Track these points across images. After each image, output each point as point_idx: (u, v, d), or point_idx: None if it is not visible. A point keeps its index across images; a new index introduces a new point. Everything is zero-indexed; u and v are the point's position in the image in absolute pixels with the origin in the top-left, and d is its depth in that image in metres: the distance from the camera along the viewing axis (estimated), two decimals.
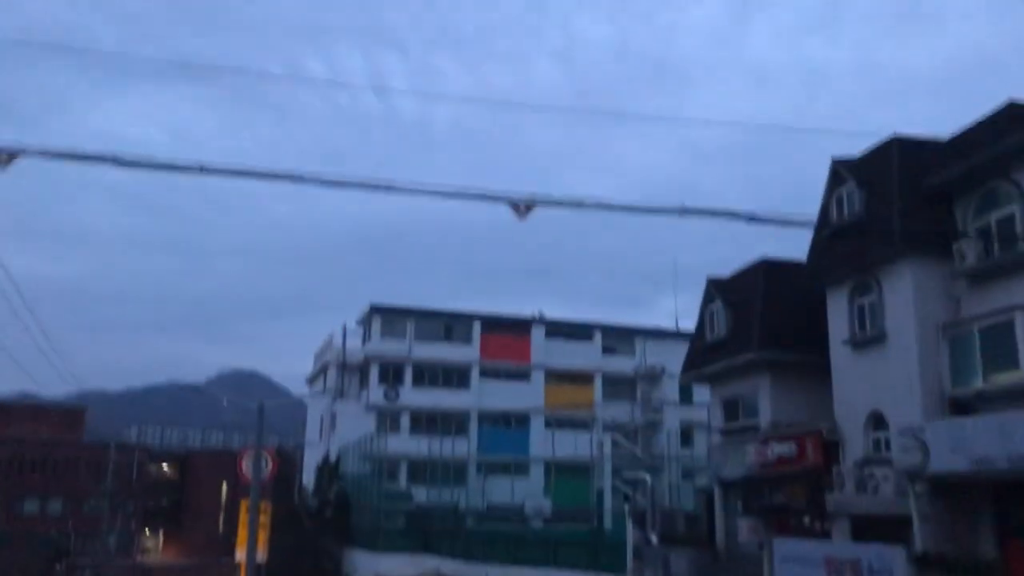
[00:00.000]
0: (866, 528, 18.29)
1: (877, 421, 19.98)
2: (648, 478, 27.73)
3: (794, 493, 19.79)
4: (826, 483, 19.63)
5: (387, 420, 53.24)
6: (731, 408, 26.66)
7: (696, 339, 28.14)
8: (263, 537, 21.55)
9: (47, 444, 77.11)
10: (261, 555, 21.58)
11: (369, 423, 51.56)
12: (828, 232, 21.52)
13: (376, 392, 53.69)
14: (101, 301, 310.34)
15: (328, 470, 47.25)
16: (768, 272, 25.15)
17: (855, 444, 20.29)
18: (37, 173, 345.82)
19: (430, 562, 37.47)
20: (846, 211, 20.92)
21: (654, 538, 26.73)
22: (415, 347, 55.13)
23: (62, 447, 77.14)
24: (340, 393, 55.92)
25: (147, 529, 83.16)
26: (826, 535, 19.66)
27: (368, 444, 47.01)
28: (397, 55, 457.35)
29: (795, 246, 34.93)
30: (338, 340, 56.68)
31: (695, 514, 28.78)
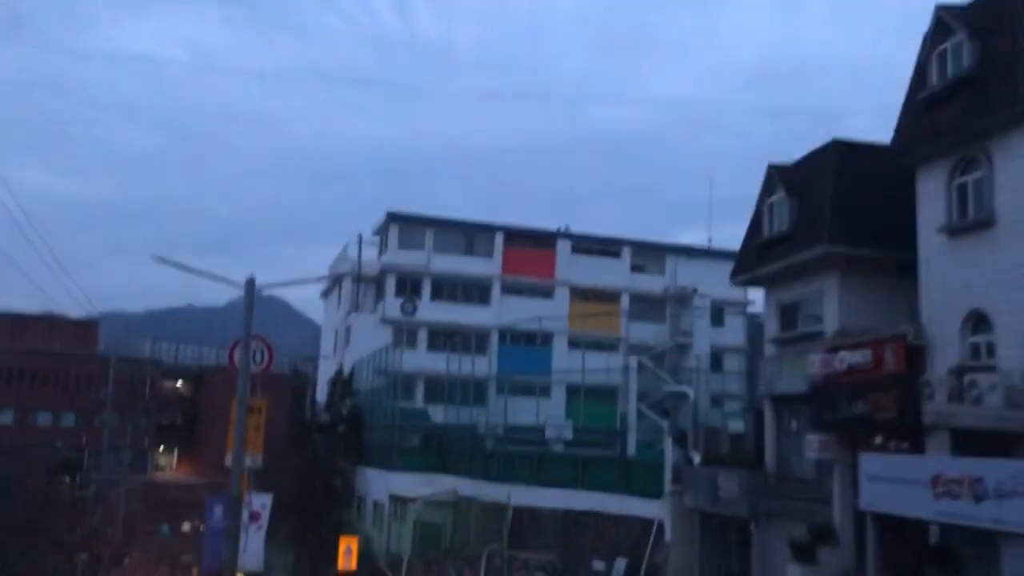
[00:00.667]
0: (967, 444, 15.27)
1: (977, 322, 16.78)
2: (691, 392, 24.87)
3: (879, 404, 16.71)
4: (914, 392, 16.54)
5: (404, 335, 50.60)
6: (789, 314, 23.50)
7: (750, 237, 24.84)
8: (257, 438, 18.82)
9: (59, 356, 75.87)
10: (253, 459, 18.87)
11: (385, 338, 48.87)
12: (925, 97, 17.93)
13: (392, 305, 50.95)
14: (121, 222, 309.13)
15: (341, 383, 44.83)
16: (842, 154, 21.68)
17: (947, 349, 17.11)
18: (60, 91, 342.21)
19: (447, 482, 35.16)
20: (951, 70, 17.30)
21: (696, 458, 23.95)
22: (434, 259, 52.17)
23: (74, 360, 75.82)
24: (355, 306, 53.20)
25: (161, 446, 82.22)
26: (911, 451, 16.65)
27: (383, 357, 44.41)
28: None
29: None
30: (353, 251, 53.79)
31: (740, 434, 25.91)
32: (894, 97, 72.55)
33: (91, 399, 70.97)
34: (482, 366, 49.96)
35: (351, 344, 51.76)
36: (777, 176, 23.34)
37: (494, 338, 52.39)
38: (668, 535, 24.21)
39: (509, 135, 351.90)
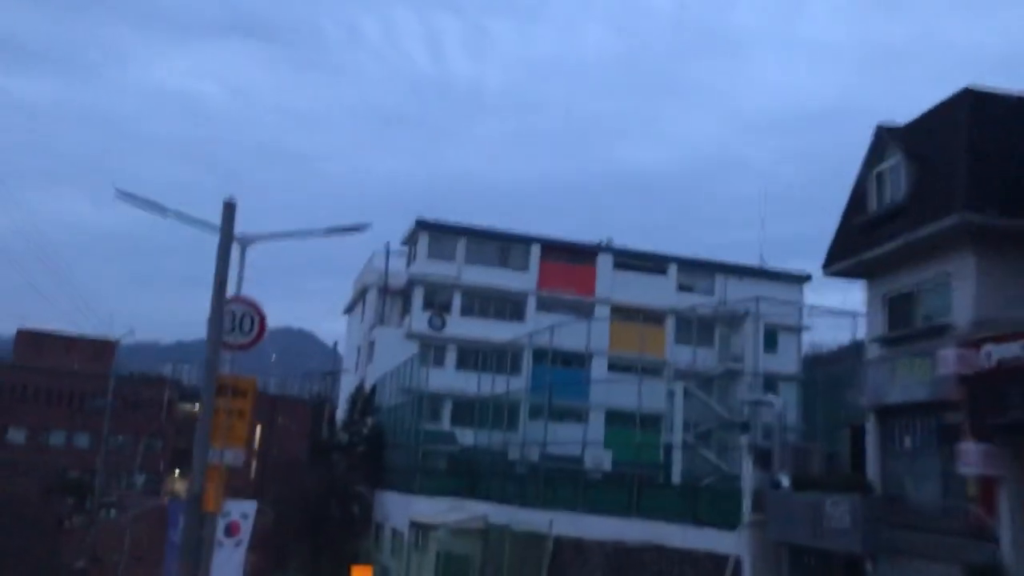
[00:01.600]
0: None
1: None
2: (776, 402, 20.69)
3: None
4: None
5: (431, 352, 46.69)
6: (901, 307, 19.31)
7: (849, 216, 20.73)
8: (241, 427, 14.96)
9: (75, 375, 73.22)
10: (236, 456, 14.97)
11: (410, 354, 45.04)
12: None
13: (420, 319, 47.14)
14: (152, 254, 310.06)
15: (362, 399, 40.94)
16: (975, 105, 17.63)
17: None
18: (98, 124, 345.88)
19: (477, 508, 30.94)
20: None
21: (785, 481, 19.67)
22: (465, 271, 48.40)
23: (90, 379, 73.00)
24: (380, 319, 49.46)
25: (177, 471, 78.68)
26: None
27: (408, 372, 40.47)
28: (451, 17, 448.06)
29: None
30: (379, 261, 50.20)
31: (833, 452, 21.60)
32: None
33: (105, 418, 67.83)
34: (514, 387, 45.97)
35: (374, 360, 47.98)
36: (889, 138, 19.27)
37: (528, 357, 48.26)
38: (747, 574, 19.90)
39: (536, 173, 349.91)
